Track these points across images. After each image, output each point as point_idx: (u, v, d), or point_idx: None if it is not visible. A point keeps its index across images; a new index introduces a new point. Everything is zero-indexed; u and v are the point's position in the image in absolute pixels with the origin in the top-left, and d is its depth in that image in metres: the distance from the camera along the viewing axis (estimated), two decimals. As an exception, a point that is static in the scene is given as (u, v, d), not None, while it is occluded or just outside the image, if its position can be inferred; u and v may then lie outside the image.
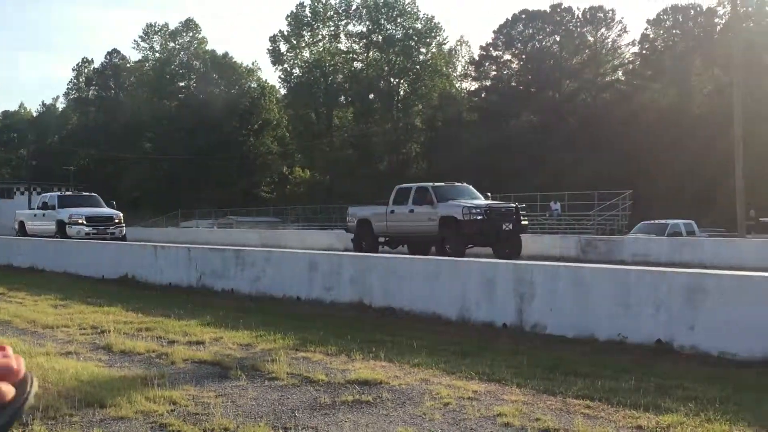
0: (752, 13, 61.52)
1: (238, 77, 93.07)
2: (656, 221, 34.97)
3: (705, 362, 8.95)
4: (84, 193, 37.31)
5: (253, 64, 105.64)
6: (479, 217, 24.27)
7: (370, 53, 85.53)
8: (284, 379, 7.98)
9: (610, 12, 77.42)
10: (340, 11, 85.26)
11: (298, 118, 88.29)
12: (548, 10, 78.00)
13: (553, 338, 10.65)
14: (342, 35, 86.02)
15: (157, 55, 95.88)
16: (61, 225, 32.41)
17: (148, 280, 19.40)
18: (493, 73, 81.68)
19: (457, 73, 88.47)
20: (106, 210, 34.25)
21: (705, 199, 50.93)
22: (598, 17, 77.47)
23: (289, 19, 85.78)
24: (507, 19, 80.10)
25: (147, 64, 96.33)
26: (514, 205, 25.81)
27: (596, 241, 30.90)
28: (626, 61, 78.43)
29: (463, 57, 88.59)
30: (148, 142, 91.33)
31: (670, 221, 35.01)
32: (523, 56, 79.32)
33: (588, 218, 48.81)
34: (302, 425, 6.38)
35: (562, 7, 77.90)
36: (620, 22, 78.09)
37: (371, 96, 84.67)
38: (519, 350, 9.78)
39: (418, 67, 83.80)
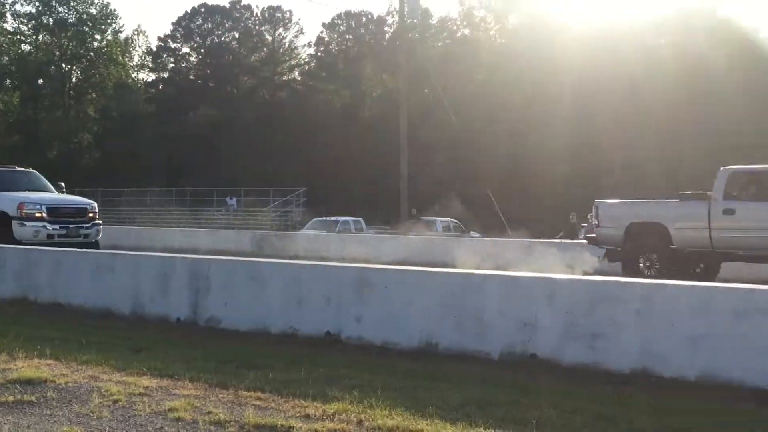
0: (417, 25, 65.48)
1: None
2: (327, 218, 36.18)
3: (370, 352, 9.46)
4: (18, 169, 23.25)
5: None
6: None
7: (40, 36, 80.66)
8: (-65, 381, 7.39)
9: (288, 13, 79.04)
10: (7, -11, 79.65)
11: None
12: (227, 5, 78.10)
13: (228, 332, 10.74)
14: (8, 15, 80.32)
15: None
16: (4, 220, 20.26)
17: None
18: (171, 65, 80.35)
19: (134, 63, 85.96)
20: (71, 198, 23.10)
21: (374, 197, 53.45)
22: (276, 17, 78.74)
23: (-54, -8, 78.75)
24: (186, 11, 79.21)
25: None
26: None
27: (271, 236, 31.49)
28: (302, 62, 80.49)
29: (140, 47, 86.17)
30: None
31: (341, 218, 36.42)
32: (202, 50, 78.78)
33: (263, 214, 49.49)
34: (-44, 430, 5.95)
35: (242, 4, 78.31)
36: (297, 23, 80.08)
37: (40, 81, 79.86)
38: (193, 344, 9.77)
39: (92, 54, 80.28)
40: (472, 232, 36.99)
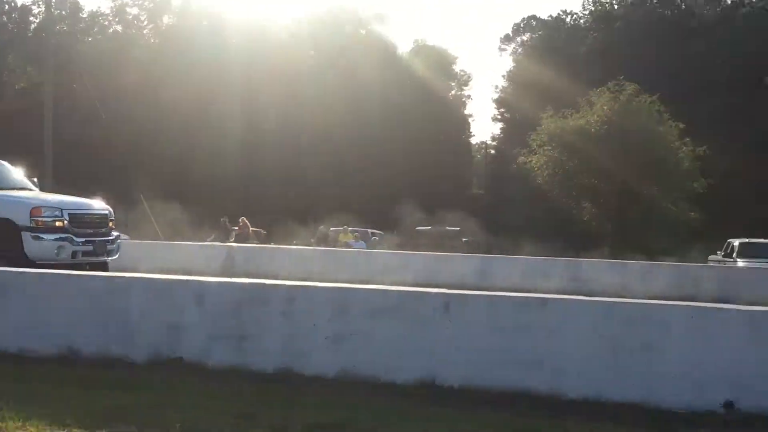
0: (66, 17, 62.93)
1: None
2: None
3: (5, 361, 8.88)
4: None
5: None
6: None
7: None
8: None
9: None
10: None
11: None
12: None
13: None
14: None
15: None
16: (10, 232, 13.41)
17: None
18: None
19: None
20: (83, 200, 15.44)
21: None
22: None
23: None
24: None
25: None
26: None
27: None
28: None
29: None
30: None
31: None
32: None
33: None
34: None
35: None
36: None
37: None
38: None
39: None
40: (121, 235, 36.01)
